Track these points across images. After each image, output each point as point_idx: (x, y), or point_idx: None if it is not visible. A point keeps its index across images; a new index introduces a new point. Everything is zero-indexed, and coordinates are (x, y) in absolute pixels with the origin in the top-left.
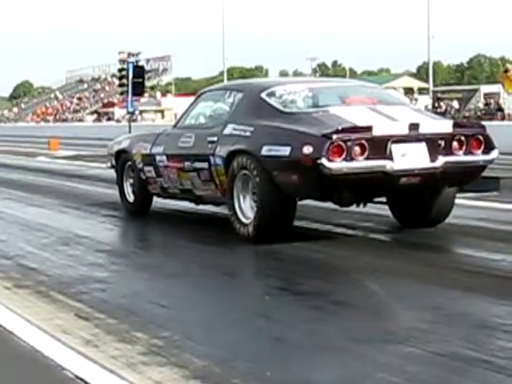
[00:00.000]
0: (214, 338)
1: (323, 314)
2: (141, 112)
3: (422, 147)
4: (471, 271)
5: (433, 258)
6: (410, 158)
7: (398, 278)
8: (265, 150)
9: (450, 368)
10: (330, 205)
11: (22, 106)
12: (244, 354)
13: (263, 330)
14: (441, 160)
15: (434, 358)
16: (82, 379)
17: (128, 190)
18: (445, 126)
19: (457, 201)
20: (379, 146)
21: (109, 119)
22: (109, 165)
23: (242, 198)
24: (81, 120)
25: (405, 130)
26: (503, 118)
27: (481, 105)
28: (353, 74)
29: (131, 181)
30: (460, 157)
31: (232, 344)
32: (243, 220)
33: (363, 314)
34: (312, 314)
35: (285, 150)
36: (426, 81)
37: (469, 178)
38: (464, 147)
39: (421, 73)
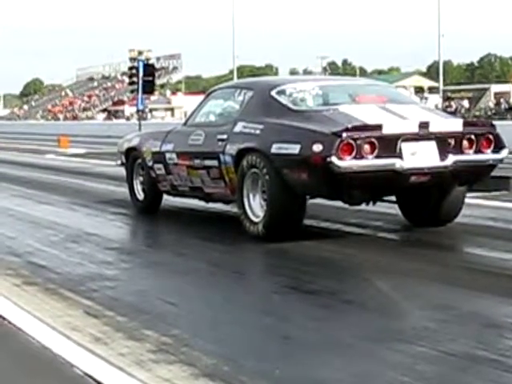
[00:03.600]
0: (223, 336)
1: (332, 313)
2: (151, 110)
3: (432, 146)
4: (481, 270)
5: (442, 257)
6: (420, 157)
7: (407, 277)
8: (274, 148)
9: (459, 367)
10: (339, 203)
11: (33, 103)
12: (253, 351)
13: (272, 328)
14: (451, 159)
15: (444, 357)
16: (90, 376)
17: (138, 187)
18: (455, 124)
19: (467, 200)
20: (389, 145)
21: (114, 115)
22: (119, 162)
23: (251, 196)
24: (91, 118)
25: (415, 129)
26: None
27: (491, 104)
28: (363, 73)
29: (141, 179)
30: (470, 156)
31: (241, 342)
32: (253, 218)
33: (372, 313)
34: (321, 313)
35: (294, 148)
36: (437, 80)
37: (478, 177)
38: (474, 146)
39: (431, 72)
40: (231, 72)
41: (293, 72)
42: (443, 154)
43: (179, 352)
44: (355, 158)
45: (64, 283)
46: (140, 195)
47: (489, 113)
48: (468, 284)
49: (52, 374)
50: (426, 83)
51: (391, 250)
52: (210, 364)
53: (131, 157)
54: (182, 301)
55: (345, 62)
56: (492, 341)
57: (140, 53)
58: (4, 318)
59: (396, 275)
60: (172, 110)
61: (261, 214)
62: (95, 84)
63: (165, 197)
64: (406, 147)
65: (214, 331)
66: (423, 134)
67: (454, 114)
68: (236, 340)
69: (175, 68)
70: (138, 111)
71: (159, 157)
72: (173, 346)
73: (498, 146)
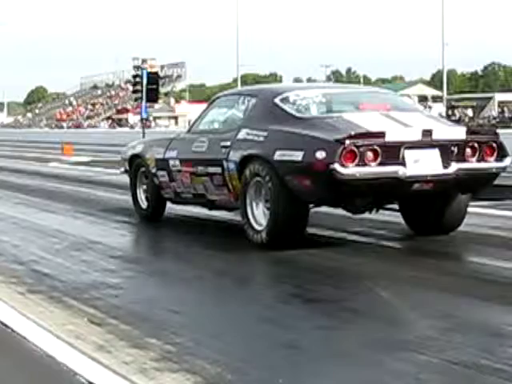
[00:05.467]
0: (227, 345)
1: (336, 322)
2: (155, 118)
3: (435, 153)
4: (484, 279)
5: (446, 266)
6: (423, 164)
7: (411, 285)
8: (278, 155)
9: (462, 376)
10: (343, 212)
11: (36, 111)
12: (256, 360)
13: (276, 336)
14: (454, 166)
15: (447, 366)
16: None
17: (141, 196)
18: (458, 132)
19: (471, 209)
20: (392, 152)
21: (118, 123)
22: (122, 170)
23: (254, 204)
24: (94, 126)
25: (418, 136)
26: None
27: (494, 113)
28: (367, 82)
29: (144, 187)
30: (473, 163)
31: (245, 351)
32: (256, 227)
33: (376, 322)
34: (325, 321)
35: (298, 155)
36: (440, 89)
37: (481, 185)
38: (477, 154)
39: (435, 80)
40: (235, 80)
41: (297, 81)
42: (446, 162)
43: (183, 360)
44: (358, 165)
45: (68, 291)
46: (143, 203)
47: (492, 121)
48: (472, 293)
49: (55, 382)
50: (430, 92)
51: (395, 258)
52: (213, 373)
53: (135, 164)
54: (185, 309)
55: (349, 70)
56: (496, 350)
57: (144, 61)
58: (8, 326)
59: (399, 284)
60: (176, 118)
61: (264, 222)
62: (99, 92)
63: (168, 205)
64: (409, 155)
65: (218, 340)
66: (426, 141)
67: (457, 122)
68: (240, 349)
69: (179, 76)
70: (141, 119)
71: (163, 164)
72: (176, 355)
73: (501, 154)
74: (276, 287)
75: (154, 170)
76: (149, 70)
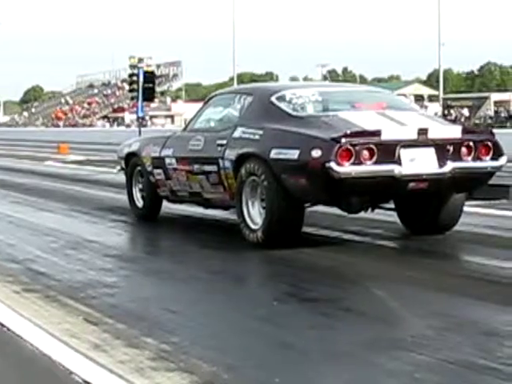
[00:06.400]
0: (223, 344)
1: (332, 321)
2: (151, 117)
3: (431, 152)
4: (480, 279)
5: (441, 265)
6: (419, 163)
7: (406, 285)
8: (274, 153)
9: (458, 375)
10: (339, 211)
11: (33, 110)
12: (252, 359)
13: (271, 335)
14: (449, 165)
15: (443, 365)
16: None
17: (137, 195)
18: (454, 131)
19: (466, 208)
20: (388, 151)
21: (114, 122)
22: (119, 168)
23: (250, 203)
24: (90, 125)
25: (413, 135)
26: None
27: (489, 112)
28: (363, 81)
29: (140, 186)
30: (468, 163)
31: (240, 350)
32: (252, 226)
33: (372, 321)
34: (320, 321)
35: (293, 154)
36: (437, 88)
37: (477, 184)
38: (472, 153)
39: (431, 80)
40: (231, 79)
41: (293, 79)
42: (442, 161)
43: (179, 360)
44: (354, 163)
45: (63, 290)
46: (139, 202)
47: (489, 121)
48: (467, 292)
49: (51, 381)
50: (426, 91)
51: (390, 257)
52: (209, 372)
53: (131, 163)
54: (181, 308)
55: (345, 69)
56: (492, 349)
57: (140, 60)
58: (3, 325)
59: (395, 283)
60: (172, 117)
61: (260, 221)
62: (95, 91)
63: (164, 204)
64: (404, 153)
65: (214, 339)
66: (422, 140)
67: (454, 122)
68: (235, 348)
69: (175, 75)
70: (138, 118)
71: (159, 162)
72: (172, 354)
73: (497, 153)
74: (272, 286)
75: (149, 168)
76: (145, 68)
